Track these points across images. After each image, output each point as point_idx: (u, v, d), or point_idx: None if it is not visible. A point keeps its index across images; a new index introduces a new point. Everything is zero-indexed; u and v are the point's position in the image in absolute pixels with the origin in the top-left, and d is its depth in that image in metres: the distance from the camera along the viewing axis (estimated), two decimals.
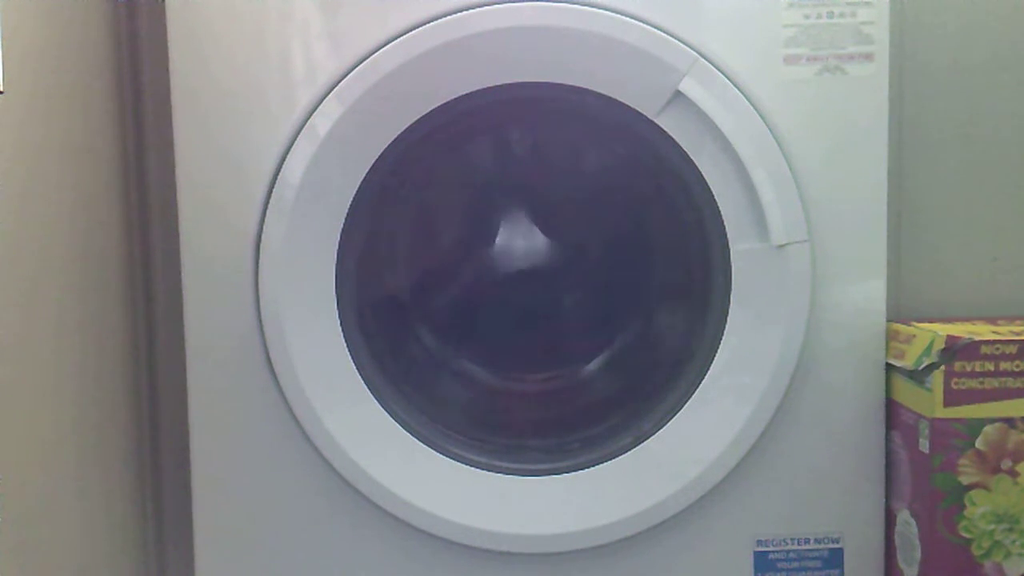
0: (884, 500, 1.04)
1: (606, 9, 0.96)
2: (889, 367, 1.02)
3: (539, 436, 1.11)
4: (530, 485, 1.02)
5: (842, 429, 1.02)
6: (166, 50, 0.98)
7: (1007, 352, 0.94)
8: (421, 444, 1.02)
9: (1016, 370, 0.94)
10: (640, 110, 0.97)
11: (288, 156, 0.97)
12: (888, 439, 1.03)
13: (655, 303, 1.14)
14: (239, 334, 1.00)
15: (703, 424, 1.01)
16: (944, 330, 0.97)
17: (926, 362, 0.95)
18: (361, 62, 0.96)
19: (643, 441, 1.02)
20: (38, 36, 0.89)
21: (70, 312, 0.95)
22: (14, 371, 0.83)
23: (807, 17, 0.98)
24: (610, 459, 1.02)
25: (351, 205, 0.98)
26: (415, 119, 0.96)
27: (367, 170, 0.97)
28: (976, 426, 0.95)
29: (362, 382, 1.00)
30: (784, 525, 1.04)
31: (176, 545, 1.16)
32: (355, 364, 1.00)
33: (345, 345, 1.00)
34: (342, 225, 0.98)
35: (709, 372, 1.01)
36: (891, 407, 1.03)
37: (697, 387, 1.01)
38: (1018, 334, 0.96)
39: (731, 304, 1.00)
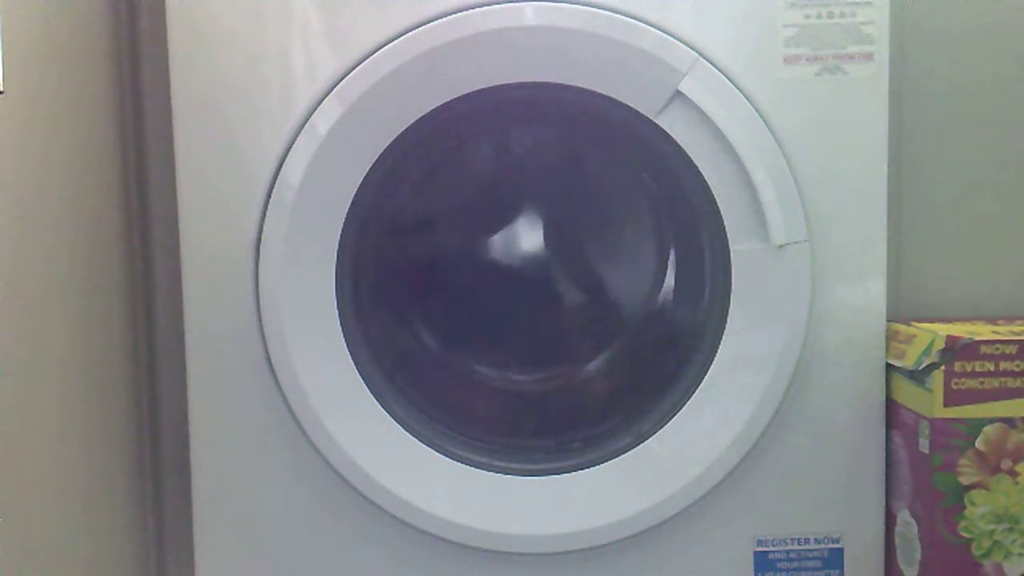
0: (884, 500, 1.04)
1: (606, 9, 0.96)
2: (889, 367, 1.02)
3: (539, 436, 1.11)
4: (530, 485, 1.02)
5: (842, 429, 1.02)
6: (166, 50, 0.98)
7: (1007, 352, 0.94)
8: (421, 444, 1.02)
9: (1016, 370, 0.94)
10: (640, 110, 0.97)
11: (288, 156, 0.97)
12: (888, 439, 1.03)
13: (655, 303, 1.14)
14: (239, 334, 1.00)
15: (703, 424, 1.01)
16: (944, 330, 0.97)
17: (926, 362, 0.95)
18: (361, 62, 0.96)
19: (643, 441, 1.02)
20: (38, 36, 0.89)
21: (70, 312, 0.95)
22: (14, 370, 0.83)
23: (807, 17, 0.98)
24: (610, 459, 1.02)
25: (351, 205, 0.98)
26: (415, 119, 0.96)
27: (367, 170, 0.97)
28: (976, 426, 0.95)
29: (362, 382, 1.00)
30: (784, 525, 1.04)
31: (176, 545, 1.16)
32: (355, 364, 1.00)
33: (345, 345, 1.00)
34: (342, 225, 0.98)
35: (709, 372, 1.01)
36: (891, 407, 1.03)
37: (697, 387, 1.01)
38: (1018, 334, 0.96)
39: (731, 304, 1.00)
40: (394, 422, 1.01)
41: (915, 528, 0.99)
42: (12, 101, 0.83)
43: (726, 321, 1.00)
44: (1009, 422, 0.95)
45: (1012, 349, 0.94)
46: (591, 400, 1.15)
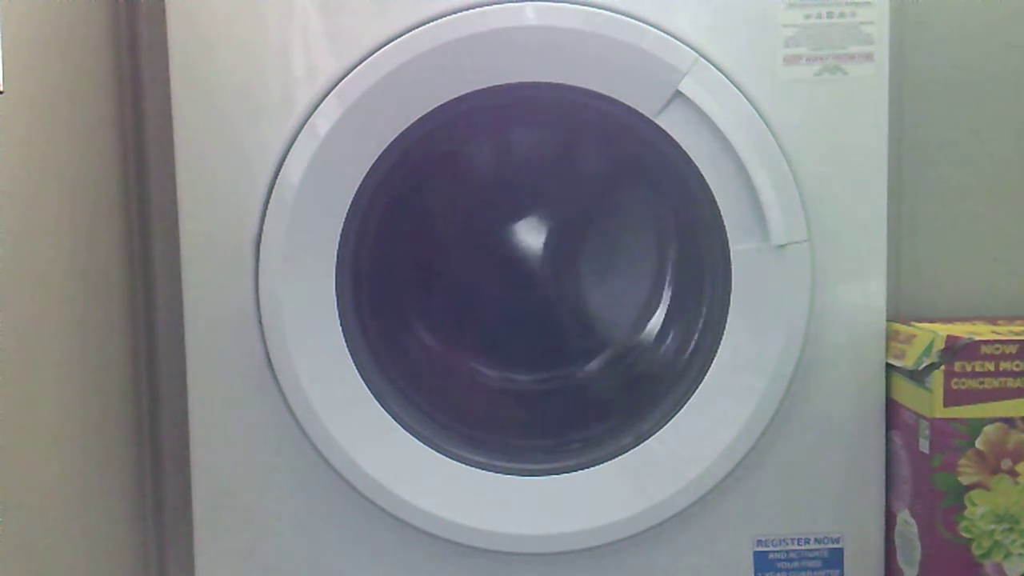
0: (884, 500, 1.04)
1: (606, 9, 0.96)
2: (889, 367, 1.02)
3: (539, 436, 1.11)
4: (530, 485, 1.02)
5: (842, 429, 1.02)
6: (166, 50, 0.98)
7: (1007, 352, 0.94)
8: (421, 444, 1.02)
9: (1016, 370, 0.94)
10: (640, 110, 0.97)
11: (288, 156, 0.97)
12: (888, 439, 1.03)
13: (655, 303, 1.14)
14: (239, 334, 1.00)
15: (703, 424, 1.01)
16: (944, 330, 0.97)
17: (926, 362, 0.95)
18: (361, 62, 0.96)
19: (643, 441, 1.02)
20: (38, 36, 0.89)
21: (70, 311, 0.95)
22: (14, 370, 0.83)
23: (807, 17, 0.98)
24: (610, 459, 1.02)
25: (351, 205, 0.98)
26: (415, 119, 0.96)
27: (367, 170, 0.97)
28: (976, 426, 0.95)
29: (362, 382, 1.00)
30: (784, 525, 1.04)
31: (176, 545, 1.16)
32: (355, 364, 1.00)
33: (345, 345, 1.00)
34: (342, 225, 0.98)
35: (709, 372, 1.01)
36: (891, 407, 1.03)
37: (697, 387, 1.01)
38: (1018, 334, 0.96)
39: (731, 304, 1.00)
40: (394, 422, 1.01)
41: (915, 528, 0.99)
42: (12, 101, 0.83)
43: (726, 321, 1.00)
44: (1009, 422, 0.95)
45: (1012, 349, 0.94)
46: (591, 400, 1.15)
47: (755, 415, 0.99)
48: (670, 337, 1.11)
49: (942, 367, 0.94)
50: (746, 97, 0.97)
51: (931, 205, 1.13)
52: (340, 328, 1.00)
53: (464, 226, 1.15)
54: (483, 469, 1.02)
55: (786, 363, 0.99)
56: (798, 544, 1.04)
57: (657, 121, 0.97)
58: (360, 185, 0.98)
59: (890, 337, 1.02)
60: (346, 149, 0.97)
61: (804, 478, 1.03)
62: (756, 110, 0.97)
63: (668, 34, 0.96)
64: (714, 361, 1.01)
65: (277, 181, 0.97)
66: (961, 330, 0.98)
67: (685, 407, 1.01)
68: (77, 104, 0.98)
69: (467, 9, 0.95)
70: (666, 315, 1.13)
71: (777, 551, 1.04)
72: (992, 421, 0.95)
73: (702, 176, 0.98)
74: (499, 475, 1.02)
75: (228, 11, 0.97)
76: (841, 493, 1.03)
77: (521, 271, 1.14)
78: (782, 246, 0.98)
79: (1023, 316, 1.12)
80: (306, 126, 0.96)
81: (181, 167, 0.98)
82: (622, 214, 1.14)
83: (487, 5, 0.95)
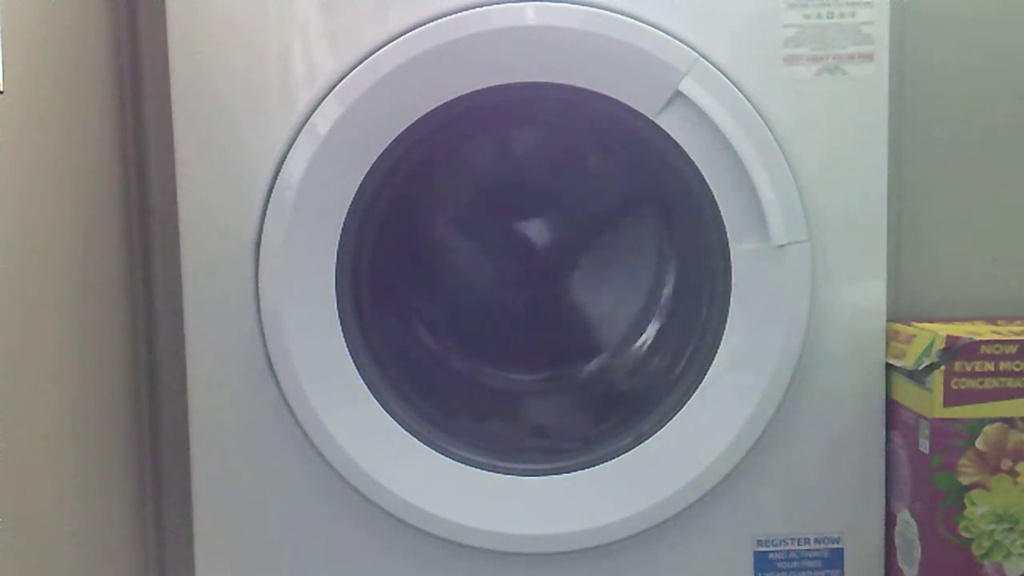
0: (884, 500, 1.04)
1: (606, 9, 0.96)
2: (889, 367, 1.02)
3: (539, 436, 1.11)
4: (530, 485, 1.02)
5: (842, 429, 1.02)
6: (166, 50, 0.98)
7: (1007, 352, 0.94)
8: (421, 444, 1.02)
9: (1016, 370, 0.94)
10: (640, 110, 0.97)
11: (288, 156, 0.97)
12: (888, 439, 1.03)
13: (655, 303, 1.14)
14: (239, 334, 1.00)
15: (703, 424, 1.01)
16: (944, 330, 0.97)
17: (926, 362, 0.95)
18: (361, 62, 0.96)
19: (643, 441, 1.02)
20: (38, 36, 0.89)
21: (70, 312, 0.95)
22: (14, 370, 0.83)
23: (807, 17, 0.98)
24: (610, 459, 1.02)
25: (351, 205, 0.98)
26: (415, 119, 0.96)
27: (367, 170, 0.98)
28: (976, 426, 0.95)
29: (362, 382, 1.00)
30: (784, 525, 1.04)
31: (176, 545, 1.16)
32: (355, 364, 1.00)
33: (345, 345, 1.00)
34: (342, 225, 0.98)
35: (709, 372, 1.01)
36: (891, 407, 1.03)
37: (697, 387, 1.01)
38: (1018, 334, 0.96)
39: (731, 304, 1.00)
40: (394, 422, 1.01)
41: (915, 528, 0.99)
42: (12, 101, 0.83)
43: (726, 321, 1.00)
44: (1009, 422, 0.95)
45: (1012, 349, 0.94)
46: (591, 400, 1.15)
47: (755, 415, 0.99)
48: (670, 337, 1.11)
49: (942, 367, 0.94)
50: (746, 97, 0.97)
51: (931, 205, 1.13)
52: (340, 328, 1.00)
53: (464, 226, 1.15)
54: (483, 469, 1.02)
55: (786, 363, 0.99)
56: (798, 544, 1.04)
57: (657, 121, 0.97)
58: (360, 185, 0.98)
59: (890, 337, 1.02)
60: (346, 149, 0.97)
61: (804, 478, 1.03)
62: (756, 110, 0.97)
63: (668, 34, 0.96)
64: (714, 361, 1.01)
65: (277, 181, 0.97)
66: (961, 330, 0.98)
67: (685, 407, 1.01)
68: (77, 104, 0.98)
69: (467, 9, 0.95)
70: (666, 315, 1.13)
71: (777, 551, 1.04)
72: (992, 421, 0.95)
73: (702, 176, 0.98)
74: (499, 475, 1.02)
75: (228, 11, 0.97)
76: (841, 493, 1.03)
77: (521, 271, 1.14)
78: (782, 246, 0.98)
79: (1023, 316, 1.12)
80: (306, 126, 0.96)
81: (181, 167, 0.98)
82: (622, 214, 1.14)
83: (487, 5, 0.95)
